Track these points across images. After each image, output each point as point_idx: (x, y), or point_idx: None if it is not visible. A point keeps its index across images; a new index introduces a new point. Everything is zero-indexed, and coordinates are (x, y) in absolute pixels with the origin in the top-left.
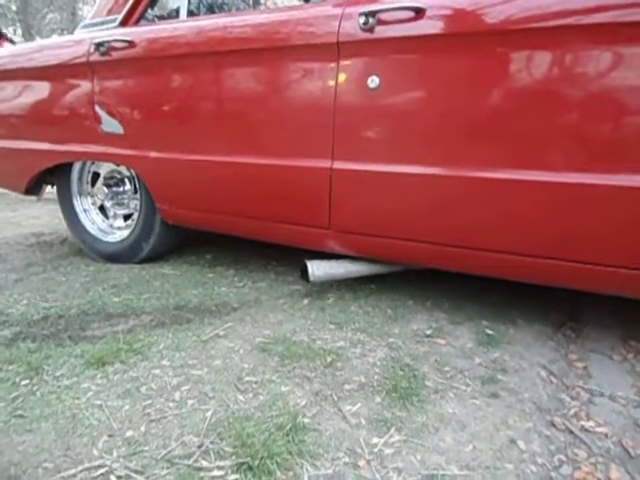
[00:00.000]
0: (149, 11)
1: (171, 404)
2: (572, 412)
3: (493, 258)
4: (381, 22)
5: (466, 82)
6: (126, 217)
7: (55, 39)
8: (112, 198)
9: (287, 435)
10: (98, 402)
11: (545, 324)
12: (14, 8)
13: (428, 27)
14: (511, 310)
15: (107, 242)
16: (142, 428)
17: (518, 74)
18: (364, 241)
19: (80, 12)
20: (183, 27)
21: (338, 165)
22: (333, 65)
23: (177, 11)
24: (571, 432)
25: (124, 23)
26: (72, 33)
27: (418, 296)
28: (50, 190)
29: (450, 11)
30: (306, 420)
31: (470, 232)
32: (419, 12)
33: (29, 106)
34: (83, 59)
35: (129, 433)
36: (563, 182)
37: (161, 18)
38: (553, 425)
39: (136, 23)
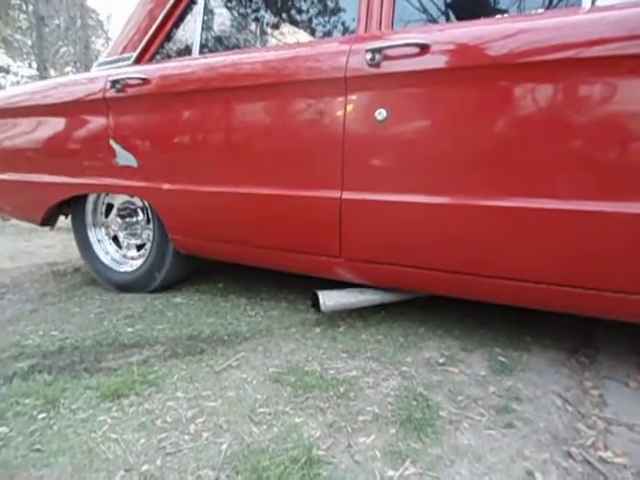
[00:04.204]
0: (162, 48)
1: (186, 437)
2: (589, 442)
3: (505, 285)
4: (387, 57)
5: (471, 114)
6: (139, 247)
7: (71, 77)
8: (125, 229)
9: (302, 469)
10: (114, 436)
11: (558, 350)
12: (29, 42)
13: (433, 62)
14: (524, 336)
15: (120, 272)
16: (158, 462)
17: (520, 106)
18: (374, 269)
19: (93, 45)
20: (195, 64)
21: (347, 195)
22: (341, 99)
23: (189, 48)
24: (589, 463)
25: (138, 60)
26: (85, 66)
27: (429, 323)
28: (62, 219)
29: (454, 46)
30: (321, 453)
31: (479, 260)
32: (424, 48)
33: (46, 141)
34: (99, 95)
35: (145, 467)
36: (571, 209)
37: (174, 55)
38: (570, 456)
39: (150, 60)
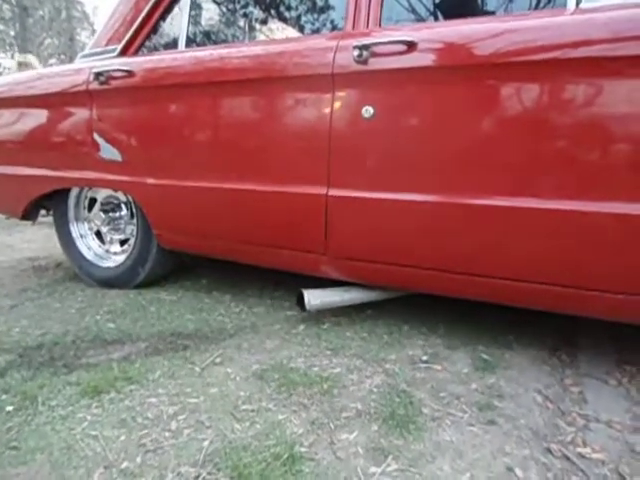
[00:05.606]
0: (148, 41)
1: (167, 434)
2: (568, 438)
3: (489, 284)
4: (375, 54)
5: (457, 112)
6: (122, 242)
7: (55, 68)
8: (109, 223)
9: (284, 465)
10: (93, 432)
11: (540, 348)
12: (12, 33)
13: (420, 59)
14: (506, 334)
15: (103, 267)
16: (138, 459)
17: (506, 104)
18: (359, 267)
19: (78, 37)
20: (181, 57)
21: (333, 192)
22: (328, 95)
23: (176, 41)
24: (568, 459)
25: (123, 53)
26: (70, 58)
27: (414, 321)
28: (44, 213)
29: (441, 44)
30: (303, 449)
31: (465, 258)
32: (411, 45)
33: (28, 133)
34: (83, 87)
35: (125, 464)
36: (557, 209)
37: (160, 48)
38: (550, 452)
39: (135, 53)
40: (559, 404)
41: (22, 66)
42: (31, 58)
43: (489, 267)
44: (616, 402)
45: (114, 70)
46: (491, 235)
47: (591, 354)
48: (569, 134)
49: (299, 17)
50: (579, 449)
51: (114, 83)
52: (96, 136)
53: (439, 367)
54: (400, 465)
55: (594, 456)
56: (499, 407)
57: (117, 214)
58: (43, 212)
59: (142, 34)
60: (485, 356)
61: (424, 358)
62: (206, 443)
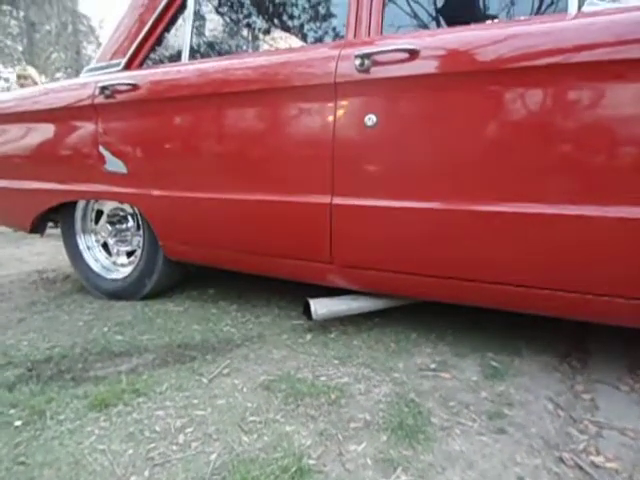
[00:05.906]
0: (152, 54)
1: (175, 447)
2: (581, 447)
3: (499, 290)
4: (376, 63)
5: (460, 119)
6: (129, 254)
7: (61, 83)
8: (115, 235)
9: (292, 478)
10: (101, 447)
11: (550, 355)
12: (20, 48)
13: (422, 67)
14: (516, 341)
15: (110, 279)
16: (146, 473)
17: (510, 110)
18: (366, 275)
19: (85, 51)
20: (185, 70)
21: (338, 201)
22: (331, 105)
23: (179, 53)
24: (581, 468)
25: (128, 66)
26: (77, 72)
27: (421, 329)
28: (51, 225)
29: (443, 51)
30: (311, 461)
31: (472, 265)
32: (413, 53)
33: (35, 147)
34: (88, 101)
35: (133, 479)
36: (561, 214)
37: (164, 60)
38: (562, 461)
39: (139, 66)
40: (570, 411)
41: (21, 78)
42: (31, 70)
43: (499, 274)
44: (629, 408)
45: (119, 84)
46: (501, 242)
47: (602, 360)
48: (573, 139)
49: (301, 26)
50: (592, 458)
51: (119, 97)
52: (102, 149)
53: (448, 375)
54: (409, 476)
55: (607, 465)
56: (509, 415)
57: (123, 226)
58: (51, 224)
59: (146, 47)
60: (494, 363)
61: (432, 366)
62: (214, 456)
